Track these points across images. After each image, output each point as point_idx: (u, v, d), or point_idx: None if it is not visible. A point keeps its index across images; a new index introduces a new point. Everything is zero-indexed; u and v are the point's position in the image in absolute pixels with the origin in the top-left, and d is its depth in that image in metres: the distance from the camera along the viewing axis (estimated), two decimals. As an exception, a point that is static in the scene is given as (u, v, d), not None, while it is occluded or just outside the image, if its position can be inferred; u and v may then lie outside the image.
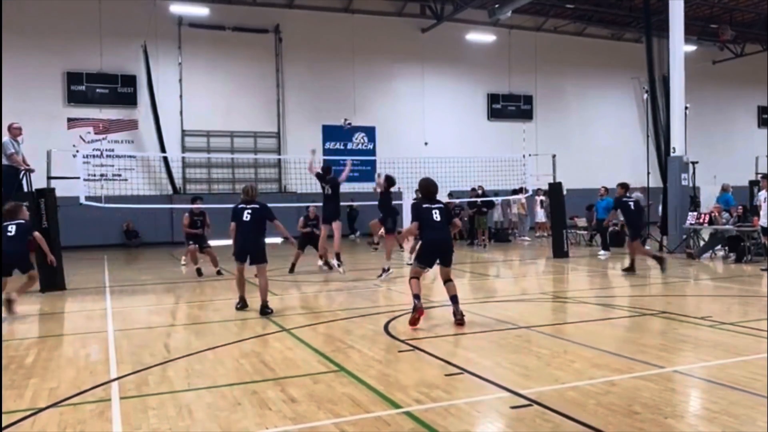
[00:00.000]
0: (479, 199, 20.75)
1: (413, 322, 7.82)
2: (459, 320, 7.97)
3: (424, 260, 8.23)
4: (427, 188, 8.37)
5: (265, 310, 9.04)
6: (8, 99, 21.31)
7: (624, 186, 13.75)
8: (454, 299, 8.09)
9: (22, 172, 12.24)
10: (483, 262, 15.16)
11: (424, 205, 8.22)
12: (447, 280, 8.23)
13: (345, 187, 24.83)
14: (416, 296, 7.90)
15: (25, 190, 12.27)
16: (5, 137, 12.26)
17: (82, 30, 23.69)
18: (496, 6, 25.63)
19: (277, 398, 5.21)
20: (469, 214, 21.94)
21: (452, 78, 29.43)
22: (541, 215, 24.25)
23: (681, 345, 6.88)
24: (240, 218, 9.19)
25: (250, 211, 9.21)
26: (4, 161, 12.20)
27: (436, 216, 8.10)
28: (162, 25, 24.40)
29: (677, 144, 17.30)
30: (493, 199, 22.03)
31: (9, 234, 9.41)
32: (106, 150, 22.65)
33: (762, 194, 13.46)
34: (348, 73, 27.36)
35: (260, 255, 9.25)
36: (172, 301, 11.10)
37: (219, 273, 13.64)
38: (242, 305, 9.41)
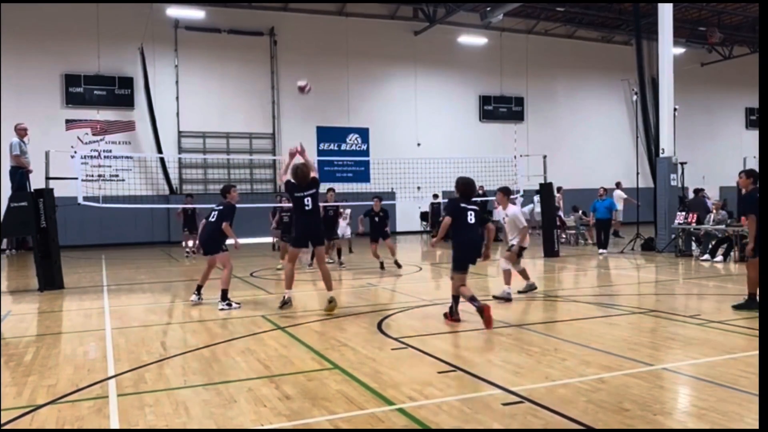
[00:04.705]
0: (478, 199, 20.80)
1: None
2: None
3: (462, 265, 8.19)
4: (467, 188, 8.47)
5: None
6: (7, 100, 21.46)
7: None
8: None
9: (20, 171, 12.33)
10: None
11: (462, 204, 8.28)
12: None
13: (340, 188, 25.21)
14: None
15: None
16: (15, 138, 12.36)
17: (80, 33, 23.74)
18: (488, 9, 25.75)
19: (272, 395, 5.28)
20: None
21: (444, 80, 29.54)
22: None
23: (670, 343, 6.98)
24: (302, 206, 9.09)
25: (309, 197, 9.12)
26: (11, 161, 12.32)
27: (471, 218, 8.18)
28: (158, 28, 24.46)
29: (666, 145, 17.44)
30: (489, 199, 22.11)
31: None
32: (104, 151, 22.78)
33: None
34: (342, 75, 27.44)
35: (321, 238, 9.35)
36: (168, 299, 11.13)
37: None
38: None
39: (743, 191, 9.84)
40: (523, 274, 10.51)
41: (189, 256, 18.21)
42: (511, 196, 10.97)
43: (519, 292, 10.29)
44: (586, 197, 23.30)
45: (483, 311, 7.68)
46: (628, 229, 20.94)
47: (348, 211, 18.17)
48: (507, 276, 10.00)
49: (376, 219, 14.73)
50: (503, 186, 10.78)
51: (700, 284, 11.93)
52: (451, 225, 8.18)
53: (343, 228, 17.59)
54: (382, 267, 14.38)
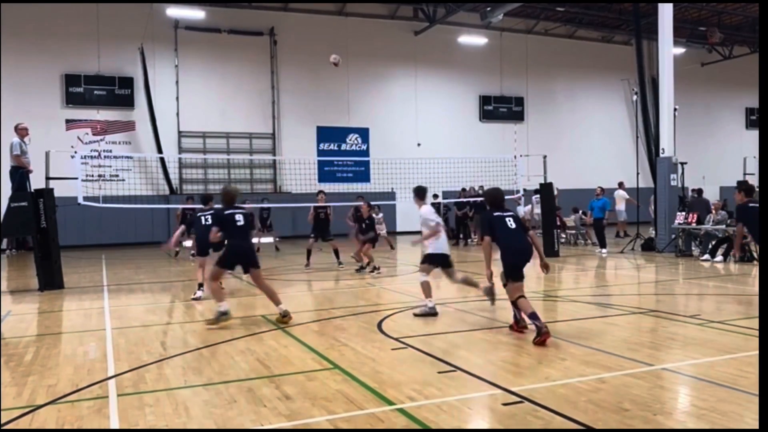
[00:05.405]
0: (472, 199, 20.82)
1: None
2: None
3: (514, 272, 7.40)
4: (495, 197, 7.75)
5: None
6: (7, 100, 21.50)
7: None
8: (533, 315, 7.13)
9: (20, 171, 12.35)
10: (475, 261, 15.25)
11: (496, 214, 7.57)
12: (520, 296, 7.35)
13: (340, 188, 25.37)
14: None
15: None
16: (16, 138, 12.37)
17: (80, 33, 23.80)
18: (488, 9, 25.76)
19: (272, 395, 5.28)
20: (457, 214, 22.02)
21: (445, 80, 29.56)
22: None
23: (670, 343, 6.98)
24: (233, 223, 8.58)
25: (240, 215, 8.68)
26: (11, 161, 12.33)
27: (511, 223, 7.48)
28: (159, 28, 24.51)
29: (666, 145, 17.45)
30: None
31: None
32: (104, 151, 22.82)
33: None
34: (342, 75, 27.38)
35: (256, 260, 8.77)
36: (168, 299, 11.14)
37: None
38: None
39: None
40: (470, 283, 9.09)
41: (183, 253, 18.18)
42: (429, 198, 10.14)
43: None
44: (586, 197, 23.30)
45: (541, 334, 6.85)
46: (628, 229, 20.97)
47: (380, 215, 18.65)
48: (425, 288, 8.87)
49: (364, 225, 14.81)
50: (417, 186, 9.55)
51: (700, 284, 11.93)
52: (495, 237, 7.47)
53: (380, 229, 17.94)
54: (360, 269, 14.19)
